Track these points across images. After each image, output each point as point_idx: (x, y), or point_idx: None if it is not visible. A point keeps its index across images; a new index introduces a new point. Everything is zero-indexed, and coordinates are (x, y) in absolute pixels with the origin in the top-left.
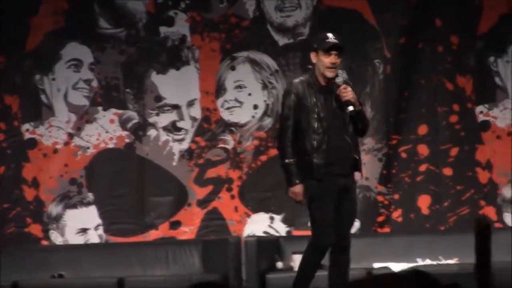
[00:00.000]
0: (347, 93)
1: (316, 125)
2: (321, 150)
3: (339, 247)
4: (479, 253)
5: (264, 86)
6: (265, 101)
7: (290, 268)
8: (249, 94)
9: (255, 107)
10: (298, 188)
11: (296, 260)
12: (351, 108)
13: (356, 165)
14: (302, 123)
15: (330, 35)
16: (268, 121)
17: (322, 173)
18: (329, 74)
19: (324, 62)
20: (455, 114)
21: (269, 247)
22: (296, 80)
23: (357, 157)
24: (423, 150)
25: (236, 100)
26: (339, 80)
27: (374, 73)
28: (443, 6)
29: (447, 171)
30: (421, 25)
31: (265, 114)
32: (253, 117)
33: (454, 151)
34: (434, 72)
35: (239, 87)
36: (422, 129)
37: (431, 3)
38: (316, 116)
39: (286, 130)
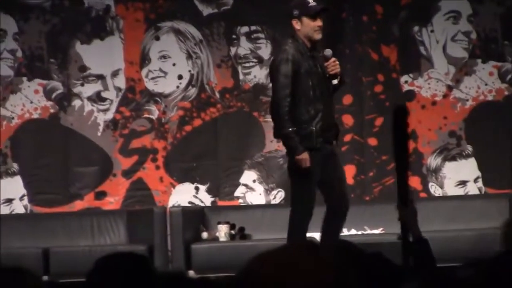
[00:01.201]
0: (336, 66)
1: (311, 93)
2: (319, 117)
3: (336, 212)
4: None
5: (189, 56)
6: (189, 71)
7: (215, 238)
8: (174, 64)
9: (180, 77)
10: (306, 155)
11: (221, 230)
12: (335, 81)
13: (337, 131)
14: (297, 91)
15: (311, 1)
16: (192, 91)
17: (320, 141)
18: (318, 36)
19: (312, 26)
20: (379, 84)
21: (194, 217)
22: (290, 49)
23: (337, 124)
24: (348, 120)
25: (161, 70)
26: (328, 52)
27: None
28: None
29: (372, 141)
30: None
31: (189, 84)
32: (177, 87)
33: (379, 121)
34: (359, 42)
35: (164, 57)
36: (347, 99)
37: None
38: (310, 83)
39: (284, 99)
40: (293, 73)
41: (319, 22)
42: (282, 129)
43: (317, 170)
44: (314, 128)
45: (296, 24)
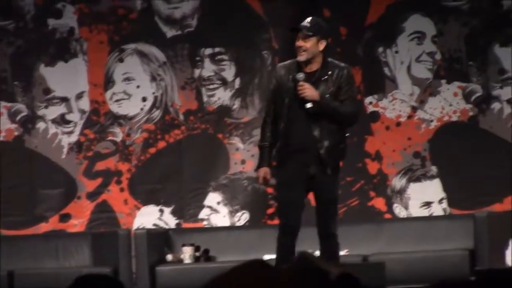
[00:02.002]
0: (303, 90)
1: (285, 112)
2: (286, 137)
3: (321, 236)
4: None
5: (153, 78)
6: (153, 93)
7: (180, 261)
8: (138, 87)
9: (144, 99)
10: (259, 172)
11: (186, 252)
12: (309, 105)
13: (323, 156)
14: (277, 108)
15: (307, 18)
16: (156, 113)
17: (285, 160)
18: (299, 57)
19: (295, 46)
20: None
21: (159, 239)
22: (280, 64)
23: (322, 152)
24: None
25: (125, 92)
26: (299, 76)
27: (262, 64)
28: None
29: None
30: (309, 16)
31: (153, 106)
32: (141, 109)
33: None
34: None
35: (128, 79)
36: None
37: None
38: (286, 102)
39: (265, 113)
40: (275, 89)
41: (298, 43)
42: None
43: (286, 188)
44: (280, 147)
45: None
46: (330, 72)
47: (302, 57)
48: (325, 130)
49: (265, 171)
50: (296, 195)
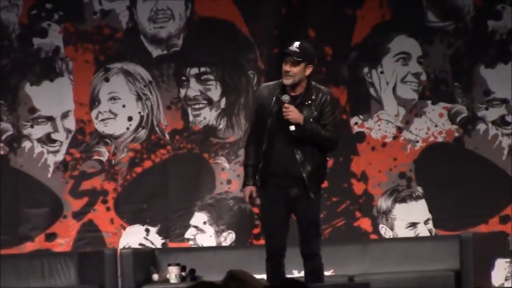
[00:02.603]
0: (288, 113)
1: (266, 133)
2: (267, 158)
3: (303, 255)
4: None
5: (139, 98)
6: (139, 112)
7: (166, 280)
8: (123, 106)
9: (130, 118)
10: (244, 190)
11: (171, 272)
12: (292, 127)
13: (304, 181)
14: (260, 129)
15: (295, 43)
16: (142, 133)
17: (266, 180)
18: (285, 81)
19: (282, 68)
20: None
21: (145, 259)
22: (264, 84)
23: (304, 175)
24: None
25: (110, 111)
26: (285, 98)
27: (248, 84)
28: (316, 16)
29: (323, 183)
30: (294, 36)
31: (139, 126)
32: (127, 128)
33: (329, 163)
34: None
35: (113, 98)
36: None
37: (304, 14)
38: (268, 124)
39: (249, 132)
40: (256, 109)
41: (286, 67)
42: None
43: (268, 209)
44: (260, 167)
45: None
46: (313, 97)
47: (288, 81)
48: (308, 153)
49: (250, 189)
50: (278, 218)
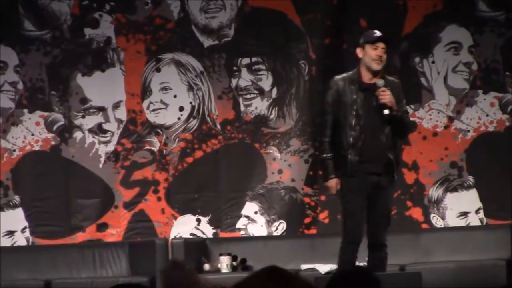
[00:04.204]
0: (385, 96)
1: (353, 122)
2: (356, 147)
3: (373, 246)
4: None
5: (190, 88)
6: (190, 102)
7: (217, 270)
8: (175, 96)
9: (181, 109)
10: (331, 183)
11: (223, 262)
12: (386, 111)
13: (391, 165)
14: (341, 119)
15: (377, 31)
16: (194, 123)
17: (356, 169)
18: (376, 66)
19: (371, 54)
20: None
21: (196, 249)
22: (338, 77)
23: (392, 157)
24: None
25: (162, 102)
26: (380, 82)
27: (299, 74)
28: (367, 6)
29: None
30: (345, 26)
31: (190, 116)
32: (178, 119)
33: None
34: None
35: (165, 88)
36: None
37: (355, 4)
38: (354, 112)
39: (324, 125)
40: (334, 100)
41: (379, 52)
42: (320, 154)
43: (355, 198)
44: (349, 157)
45: (359, 53)
46: (388, 86)
47: (379, 67)
48: (391, 139)
49: (336, 182)
50: (363, 206)
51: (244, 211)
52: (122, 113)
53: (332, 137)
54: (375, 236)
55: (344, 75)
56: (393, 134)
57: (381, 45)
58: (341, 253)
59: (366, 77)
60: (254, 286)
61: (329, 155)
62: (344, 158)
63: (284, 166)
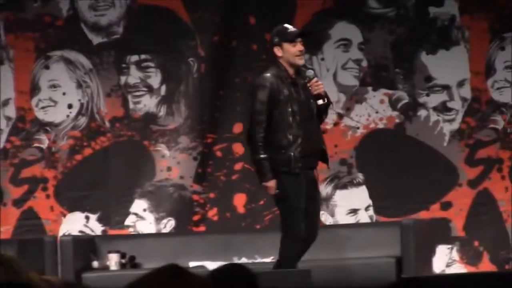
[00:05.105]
0: (319, 86)
1: (290, 119)
2: (297, 143)
3: (311, 240)
4: None
5: (79, 85)
6: (79, 100)
7: (106, 267)
8: (64, 93)
9: (70, 106)
10: (271, 183)
11: (111, 259)
12: (321, 101)
13: (324, 156)
14: (276, 117)
15: (289, 25)
16: (82, 120)
17: (299, 166)
18: (299, 61)
19: (292, 51)
20: None
21: (85, 246)
22: (268, 74)
23: (324, 148)
24: (238, 148)
25: (51, 99)
26: (310, 73)
27: (188, 72)
28: (256, 3)
29: None
30: (234, 23)
31: (79, 113)
32: (67, 116)
33: None
34: (249, 70)
35: (54, 86)
36: (237, 128)
37: (245, 1)
38: (290, 109)
39: (258, 125)
40: (270, 99)
41: (300, 47)
42: (254, 155)
43: (300, 194)
44: (292, 154)
45: (278, 51)
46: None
47: (303, 60)
48: (321, 132)
49: (274, 182)
50: (305, 200)
51: (133, 209)
52: (11, 111)
53: (265, 137)
54: (313, 230)
55: (272, 72)
56: (321, 123)
57: (299, 39)
58: (286, 250)
59: (291, 72)
60: (154, 286)
61: (264, 155)
62: (286, 156)
63: (173, 163)
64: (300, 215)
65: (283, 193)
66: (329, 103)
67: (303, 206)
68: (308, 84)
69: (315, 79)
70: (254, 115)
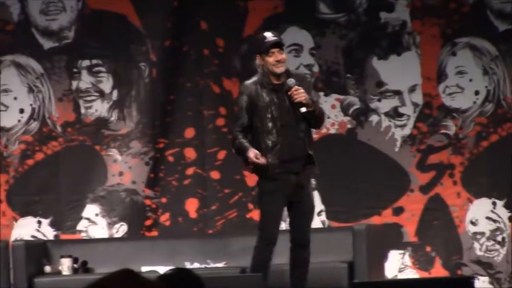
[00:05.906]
0: (299, 94)
1: (270, 125)
2: (276, 149)
3: (298, 246)
4: None
5: (30, 90)
6: (31, 105)
7: (58, 272)
8: (15, 98)
9: (21, 111)
10: (250, 152)
11: (64, 264)
12: (303, 109)
13: (310, 161)
14: (256, 123)
15: (268, 34)
16: (34, 125)
17: (277, 172)
18: (278, 70)
19: (269, 61)
20: (221, 117)
21: (37, 251)
22: (248, 81)
23: (311, 153)
24: (190, 153)
25: (2, 104)
26: (291, 82)
27: (140, 77)
28: (208, 8)
29: (215, 175)
30: (186, 28)
31: (31, 118)
32: (19, 121)
33: (221, 155)
34: (201, 75)
35: (5, 91)
36: (189, 132)
37: (196, 6)
38: (269, 115)
39: (237, 126)
40: (249, 105)
41: (276, 57)
42: (234, 146)
43: (274, 199)
44: (270, 161)
45: (258, 60)
46: (296, 81)
47: (282, 69)
48: (308, 138)
49: (254, 151)
50: (282, 206)
51: (85, 213)
52: None
53: (249, 142)
54: (299, 236)
55: (253, 79)
56: (310, 129)
57: (275, 49)
58: (256, 254)
59: (273, 79)
60: None
61: (243, 140)
62: (270, 163)
63: (124, 168)
64: (270, 220)
65: (259, 197)
66: (313, 110)
67: (274, 211)
68: (289, 93)
69: (295, 87)
70: (234, 119)
